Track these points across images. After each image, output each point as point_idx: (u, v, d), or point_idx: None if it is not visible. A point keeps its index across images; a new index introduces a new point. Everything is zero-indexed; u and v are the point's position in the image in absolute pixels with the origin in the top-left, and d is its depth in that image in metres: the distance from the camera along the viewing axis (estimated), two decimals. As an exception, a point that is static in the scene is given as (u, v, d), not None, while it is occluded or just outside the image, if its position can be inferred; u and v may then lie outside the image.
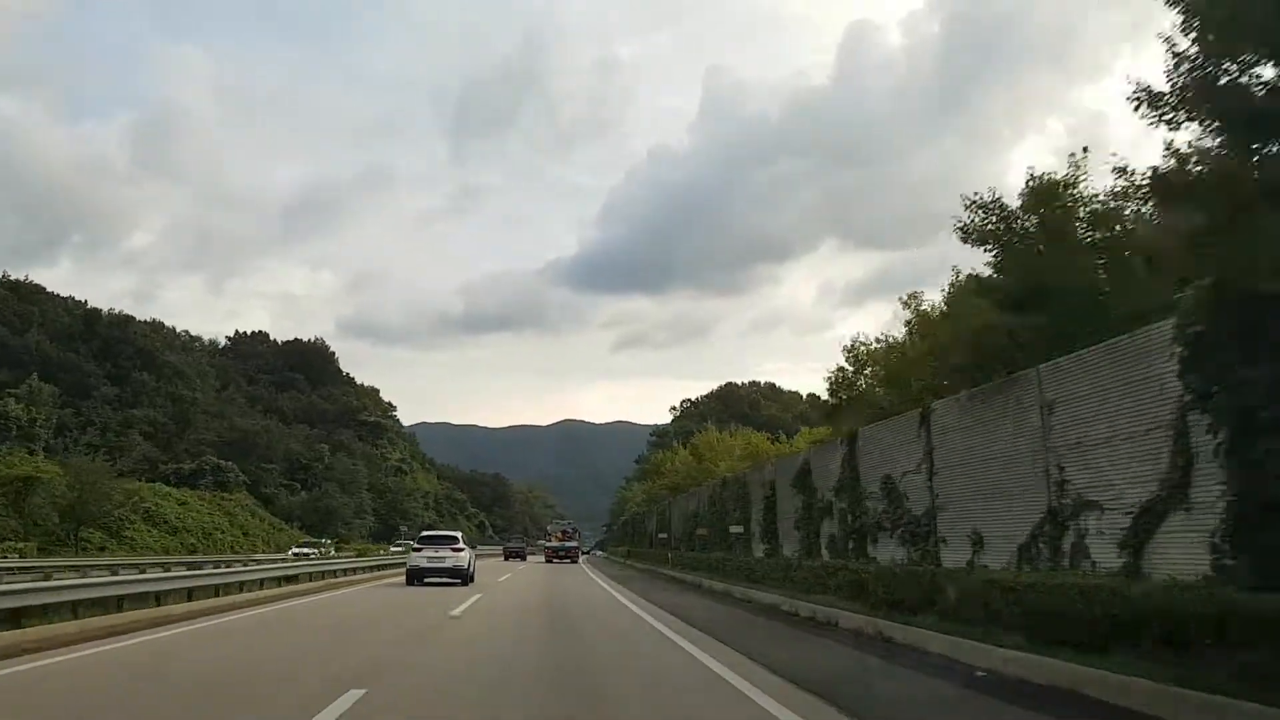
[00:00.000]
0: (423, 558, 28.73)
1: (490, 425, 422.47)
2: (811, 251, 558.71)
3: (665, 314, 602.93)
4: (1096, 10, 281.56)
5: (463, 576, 28.68)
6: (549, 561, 58.08)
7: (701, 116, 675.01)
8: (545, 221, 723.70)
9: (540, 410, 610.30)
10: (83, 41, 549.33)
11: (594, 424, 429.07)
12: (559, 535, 62.62)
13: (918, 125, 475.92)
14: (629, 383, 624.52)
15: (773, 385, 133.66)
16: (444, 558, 28.54)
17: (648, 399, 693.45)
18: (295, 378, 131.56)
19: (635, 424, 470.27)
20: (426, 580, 28.29)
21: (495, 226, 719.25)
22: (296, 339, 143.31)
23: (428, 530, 38.75)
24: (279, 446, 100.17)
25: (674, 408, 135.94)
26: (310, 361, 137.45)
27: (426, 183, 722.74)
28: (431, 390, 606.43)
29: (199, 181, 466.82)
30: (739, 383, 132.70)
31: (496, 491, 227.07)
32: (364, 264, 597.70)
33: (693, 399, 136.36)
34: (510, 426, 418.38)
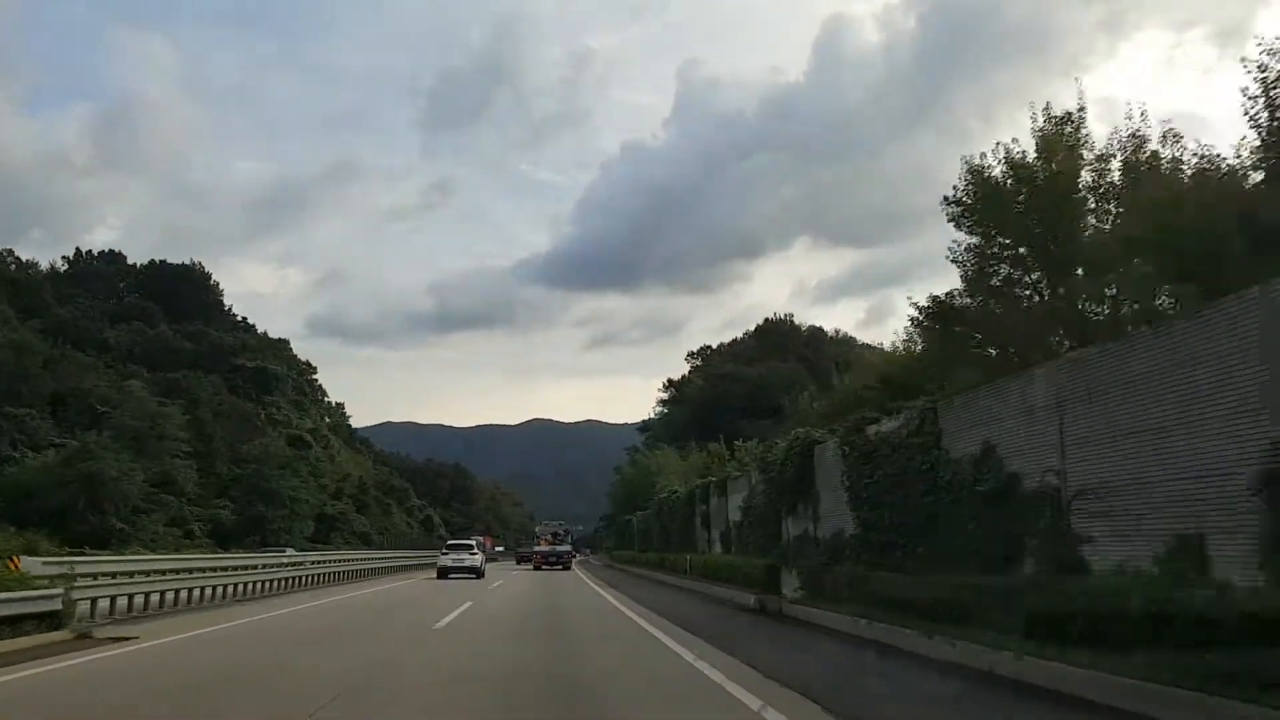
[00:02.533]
0: (449, 559, 38.80)
1: (457, 424, 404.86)
2: (785, 249, 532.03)
3: (638, 311, 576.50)
4: (1071, 7, 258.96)
5: (477, 572, 38.09)
6: (537, 569, 48.02)
7: (676, 112, 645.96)
8: (517, 218, 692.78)
9: (510, 409, 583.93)
10: (39, 29, 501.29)
11: (564, 423, 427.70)
12: (548, 538, 51.99)
13: (892, 121, 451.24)
14: (600, 382, 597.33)
15: (818, 328, 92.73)
16: (464, 559, 38.75)
17: (619, 398, 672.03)
18: (149, 308, 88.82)
19: (606, 423, 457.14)
20: (451, 575, 37.19)
21: (467, 222, 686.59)
22: (160, 261, 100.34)
23: (452, 540, 49.48)
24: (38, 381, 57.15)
25: (692, 354, 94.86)
26: (176, 290, 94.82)
27: (396, 177, 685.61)
28: (399, 390, 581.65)
29: (161, 175, 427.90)
30: (779, 316, 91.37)
31: (457, 485, 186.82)
32: (331, 261, 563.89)
33: (715, 345, 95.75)
34: (478, 426, 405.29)
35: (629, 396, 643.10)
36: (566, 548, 53.54)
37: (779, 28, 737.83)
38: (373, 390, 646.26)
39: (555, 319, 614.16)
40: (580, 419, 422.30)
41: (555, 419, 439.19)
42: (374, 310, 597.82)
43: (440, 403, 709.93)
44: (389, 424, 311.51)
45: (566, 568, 49.95)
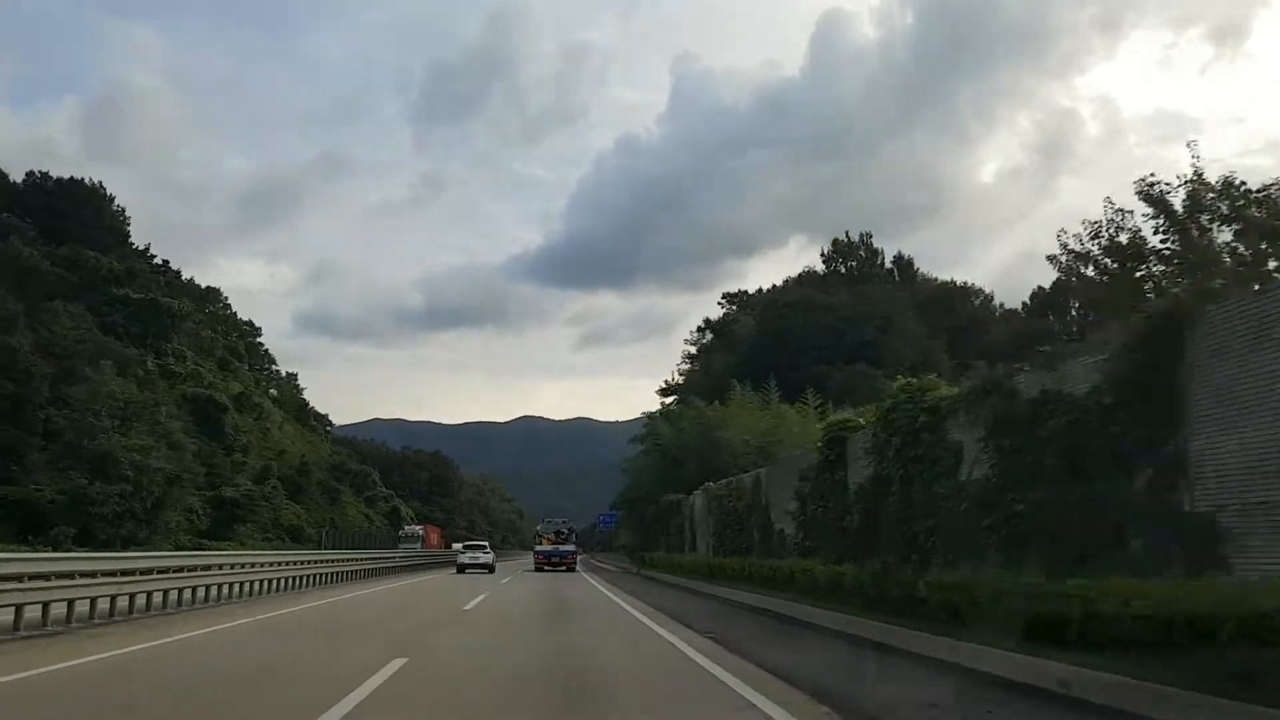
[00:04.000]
0: (466, 557, 43.32)
1: (446, 421, 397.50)
2: (779, 246, 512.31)
3: (630, 310, 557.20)
4: (1067, 6, 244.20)
5: (489, 568, 41.69)
6: (539, 569, 43.99)
7: (670, 107, 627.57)
8: (510, 213, 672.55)
9: (499, 407, 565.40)
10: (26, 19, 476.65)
11: (554, 420, 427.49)
12: (551, 537, 47.13)
13: (887, 118, 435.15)
14: (590, 381, 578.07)
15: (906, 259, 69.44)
16: (478, 557, 42.93)
17: (609, 397, 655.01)
18: (20, 225, 66.25)
19: (597, 421, 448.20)
20: (467, 570, 40.71)
21: (458, 218, 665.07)
22: (42, 174, 77.12)
23: (469, 542, 55.95)
24: None
25: (728, 296, 71.74)
26: (56, 208, 71.83)
27: (387, 172, 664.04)
28: (387, 387, 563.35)
29: (149, 167, 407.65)
30: (847, 238, 68.14)
31: (437, 476, 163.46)
32: (319, 257, 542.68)
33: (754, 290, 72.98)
34: (467, 423, 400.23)
35: (621, 395, 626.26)
36: (571, 547, 48.35)
37: (775, 22, 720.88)
38: (360, 387, 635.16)
39: (547, 317, 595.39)
40: (571, 417, 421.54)
41: (546, 416, 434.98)
42: (363, 307, 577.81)
43: (429, 400, 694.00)
44: (376, 420, 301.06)
45: (571, 569, 45.58)
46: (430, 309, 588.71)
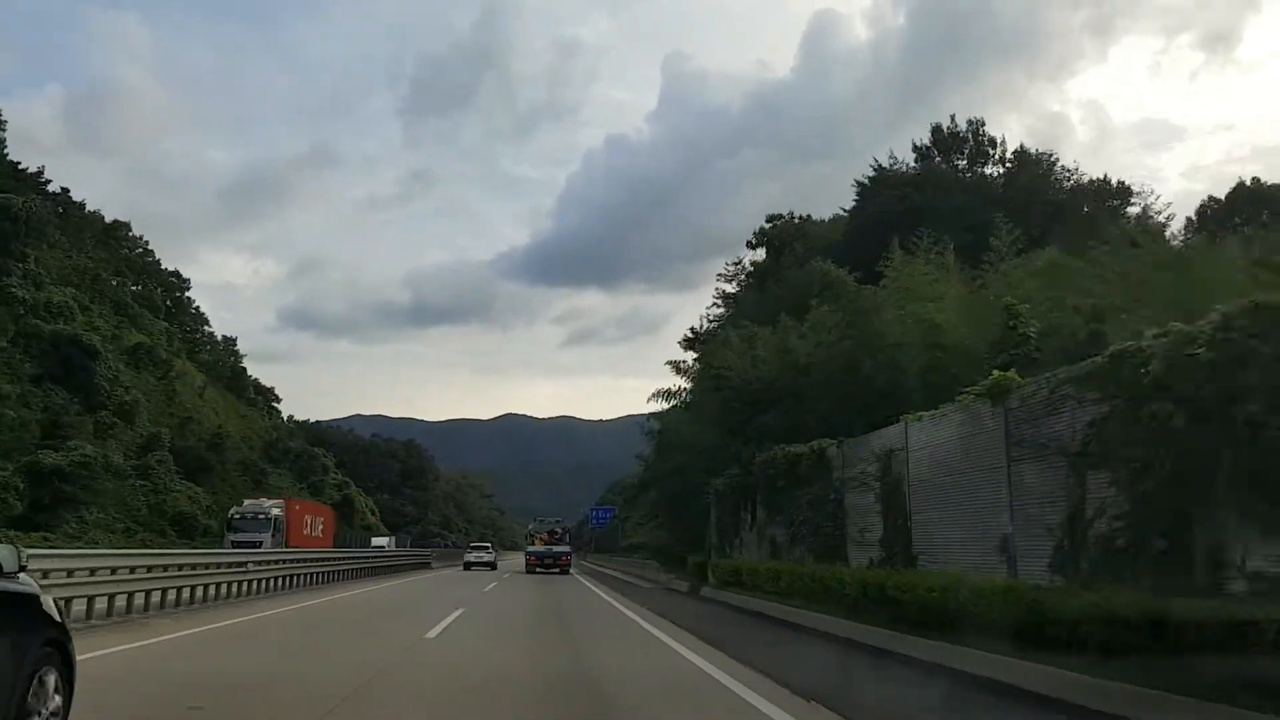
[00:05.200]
0: (472, 556, 47.99)
1: (429, 418, 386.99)
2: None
3: (617, 309, 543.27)
4: (1058, 9, 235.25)
5: (492, 565, 45.43)
6: (530, 571, 39.98)
7: (661, 106, 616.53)
8: (498, 210, 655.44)
9: (482, 404, 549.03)
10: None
11: (537, 419, 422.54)
12: (544, 536, 42.47)
13: (878, 119, 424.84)
14: (575, 380, 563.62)
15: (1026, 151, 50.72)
16: (482, 556, 47.20)
17: (593, 396, 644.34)
18: None
19: (580, 419, 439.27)
20: (472, 568, 44.41)
21: (446, 214, 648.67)
22: None
23: (474, 544, 60.24)
24: None
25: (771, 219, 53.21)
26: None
27: (375, 166, 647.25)
28: (370, 383, 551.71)
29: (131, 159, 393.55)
30: (954, 124, 49.40)
31: (411, 468, 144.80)
32: (305, 252, 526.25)
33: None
34: (450, 420, 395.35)
35: (606, 395, 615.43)
36: (565, 548, 42.58)
37: (767, 22, 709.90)
38: (345, 383, 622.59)
39: (534, 315, 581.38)
40: (555, 415, 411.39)
41: (528, 414, 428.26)
42: (347, 303, 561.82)
43: (412, 397, 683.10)
44: (358, 416, 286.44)
45: (565, 571, 40.67)
46: (416, 305, 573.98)
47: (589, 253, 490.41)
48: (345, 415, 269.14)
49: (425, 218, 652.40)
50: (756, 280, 45.12)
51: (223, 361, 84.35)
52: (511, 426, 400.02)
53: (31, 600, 4.59)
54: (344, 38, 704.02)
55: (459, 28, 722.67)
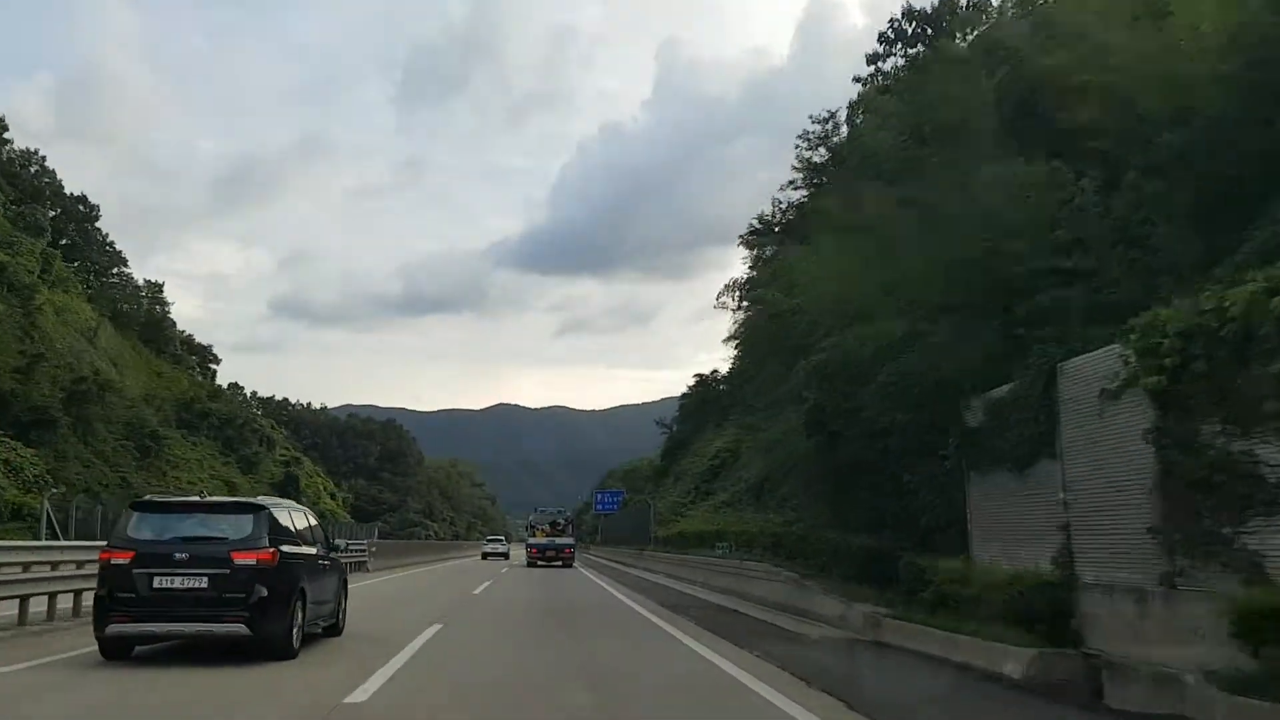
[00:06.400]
0: (489, 547, 54.38)
1: (420, 409, 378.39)
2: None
3: (611, 299, 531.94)
4: None
5: (506, 555, 51.58)
6: (532, 565, 39.30)
7: (656, 94, 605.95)
8: (491, 199, 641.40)
9: (474, 394, 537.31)
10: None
11: (529, 408, 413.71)
12: (546, 528, 42.64)
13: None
14: (567, 369, 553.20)
15: None
16: (498, 548, 53.81)
17: (585, 386, 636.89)
18: None
19: (573, 409, 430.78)
20: (489, 557, 49.91)
21: (438, 203, 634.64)
22: None
23: (491, 536, 63.70)
24: None
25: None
26: None
27: (367, 154, 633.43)
28: (362, 373, 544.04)
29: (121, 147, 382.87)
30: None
31: (390, 450, 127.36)
32: (297, 241, 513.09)
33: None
34: (441, 410, 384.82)
35: (599, 385, 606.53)
36: (568, 540, 42.33)
37: (764, 7, 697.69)
38: (336, 373, 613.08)
39: (526, 304, 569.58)
40: (548, 405, 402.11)
41: (522, 405, 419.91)
42: (339, 292, 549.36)
43: (404, 387, 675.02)
44: (348, 406, 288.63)
45: (568, 564, 39.91)
46: (408, 295, 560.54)
47: (582, 241, 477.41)
48: (336, 405, 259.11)
49: (417, 205, 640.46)
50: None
51: (138, 307, 66.49)
52: (504, 416, 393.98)
53: None
54: (337, 24, 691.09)
55: (453, 14, 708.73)
